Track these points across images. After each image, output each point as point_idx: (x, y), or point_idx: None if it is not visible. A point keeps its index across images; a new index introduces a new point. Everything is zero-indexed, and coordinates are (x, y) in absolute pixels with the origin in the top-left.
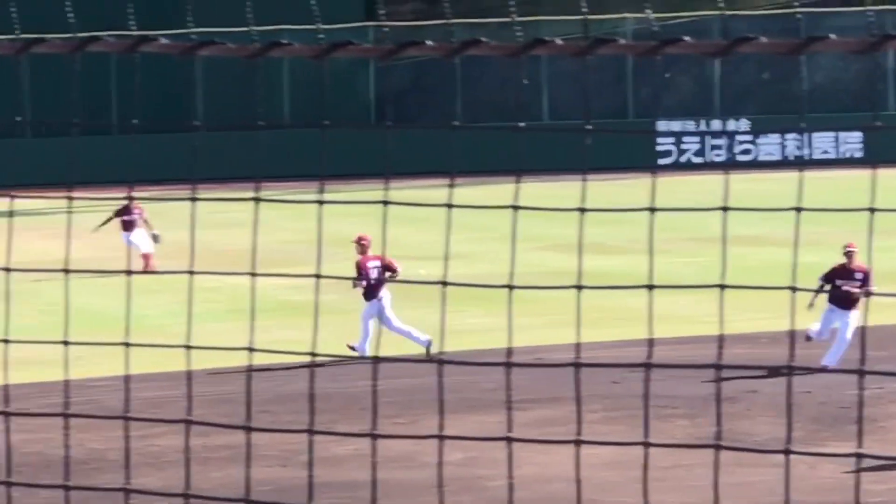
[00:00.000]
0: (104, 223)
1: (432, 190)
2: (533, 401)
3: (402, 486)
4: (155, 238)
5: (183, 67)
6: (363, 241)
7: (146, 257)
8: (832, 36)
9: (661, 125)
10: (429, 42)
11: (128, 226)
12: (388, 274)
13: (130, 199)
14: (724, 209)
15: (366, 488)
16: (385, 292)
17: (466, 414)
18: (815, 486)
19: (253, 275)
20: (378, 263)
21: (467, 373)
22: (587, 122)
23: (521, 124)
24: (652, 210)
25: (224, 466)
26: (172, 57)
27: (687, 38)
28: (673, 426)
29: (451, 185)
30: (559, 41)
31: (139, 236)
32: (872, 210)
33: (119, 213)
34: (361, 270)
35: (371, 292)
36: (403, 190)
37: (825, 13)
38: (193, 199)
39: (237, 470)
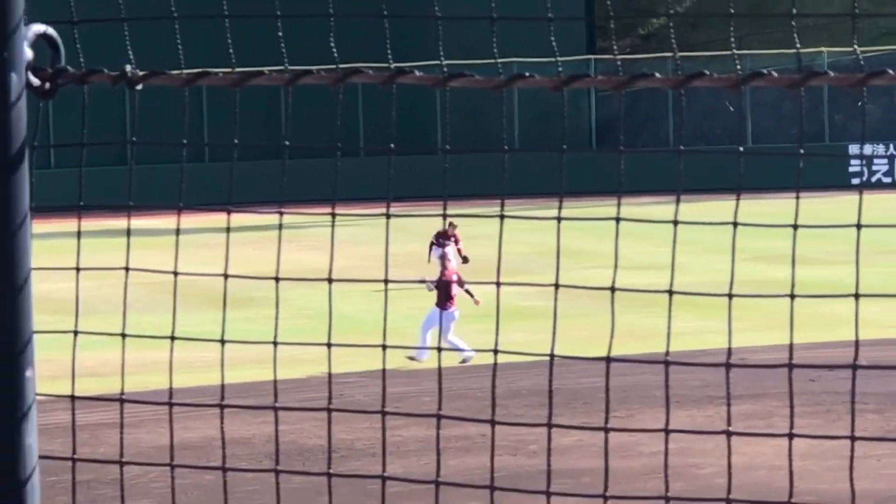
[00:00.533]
0: (430, 252)
1: (646, 207)
2: (736, 397)
3: (621, 473)
4: (465, 260)
5: (425, 97)
6: (448, 257)
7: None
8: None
9: (853, 149)
10: (657, 74)
11: (442, 246)
12: (461, 286)
13: (451, 225)
14: None
15: (588, 475)
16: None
17: (677, 409)
18: None
19: (497, 284)
20: (455, 276)
21: (675, 371)
22: (799, 146)
23: (740, 148)
24: (858, 227)
25: (459, 455)
26: (421, 87)
27: (890, 71)
28: (864, 420)
29: (678, 202)
30: (774, 73)
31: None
32: None
33: (438, 237)
34: (442, 283)
35: (449, 303)
36: (623, 207)
37: None
38: (444, 216)
39: (471, 458)
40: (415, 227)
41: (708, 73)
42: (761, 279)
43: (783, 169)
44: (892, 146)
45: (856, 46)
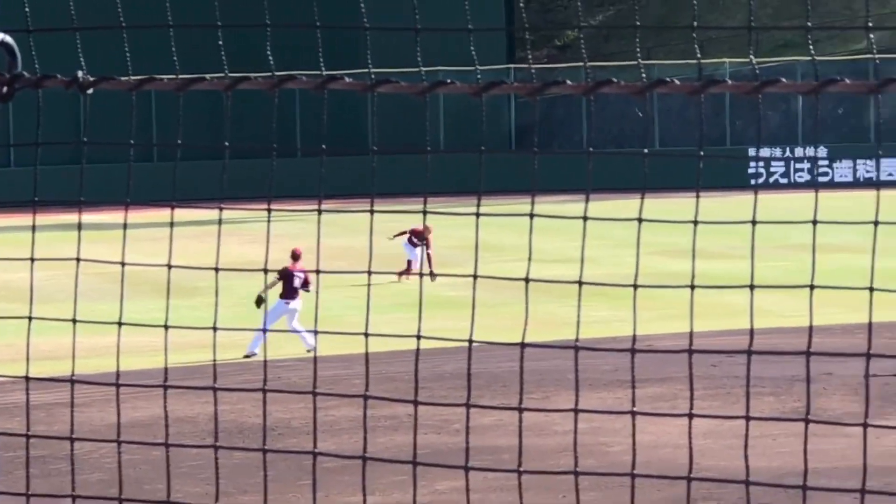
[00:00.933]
0: (398, 235)
1: (562, 205)
2: (644, 381)
3: (536, 450)
4: (431, 273)
5: (359, 102)
6: (297, 252)
7: (410, 263)
8: (614, 80)
9: (752, 152)
10: (568, 81)
11: (414, 244)
12: (304, 287)
13: (427, 228)
14: (814, 222)
15: (506, 452)
16: (298, 301)
17: (589, 392)
18: (880, 453)
19: (421, 274)
20: (302, 275)
21: (588, 357)
22: (699, 149)
23: (645, 150)
24: (753, 223)
25: (388, 434)
26: (353, 92)
27: (783, 80)
28: (761, 402)
29: (587, 200)
30: (677, 81)
31: (415, 251)
32: None
33: (414, 234)
34: (285, 274)
35: (289, 295)
36: (540, 205)
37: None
38: (371, 212)
39: (399, 436)
40: (346, 222)
41: (615, 80)
42: (667, 271)
43: (688, 170)
44: (788, 150)
45: (752, 57)
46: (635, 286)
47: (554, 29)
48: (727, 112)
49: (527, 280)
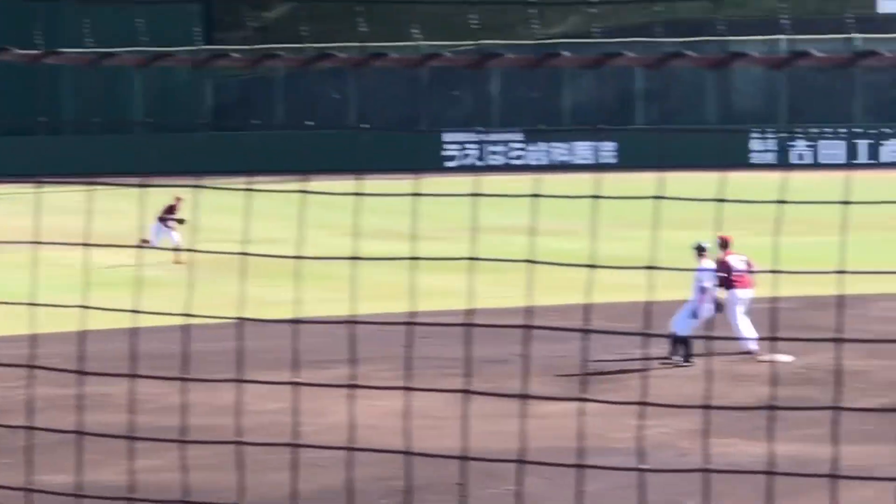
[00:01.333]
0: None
1: (264, 185)
2: (337, 361)
3: (229, 430)
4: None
5: (49, 77)
6: None
7: (147, 241)
8: (566, 53)
9: (447, 135)
10: (235, 55)
11: (164, 219)
12: None
13: (178, 199)
14: (474, 195)
15: (197, 432)
16: None
17: (282, 371)
18: (571, 434)
19: (85, 244)
20: None
21: (284, 338)
22: (358, 126)
23: (309, 122)
24: (416, 195)
25: (93, 412)
26: (26, 66)
27: (448, 54)
28: (452, 383)
29: (251, 185)
30: (341, 55)
31: (162, 230)
32: (597, 197)
33: (166, 211)
34: None
35: None
36: (237, 185)
37: (586, 43)
38: (26, 181)
39: (87, 416)
40: (55, 201)
41: (280, 54)
42: (344, 251)
43: (382, 152)
44: (482, 132)
45: (415, 34)
46: (297, 258)
47: (249, 9)
48: (422, 93)
49: (192, 251)
